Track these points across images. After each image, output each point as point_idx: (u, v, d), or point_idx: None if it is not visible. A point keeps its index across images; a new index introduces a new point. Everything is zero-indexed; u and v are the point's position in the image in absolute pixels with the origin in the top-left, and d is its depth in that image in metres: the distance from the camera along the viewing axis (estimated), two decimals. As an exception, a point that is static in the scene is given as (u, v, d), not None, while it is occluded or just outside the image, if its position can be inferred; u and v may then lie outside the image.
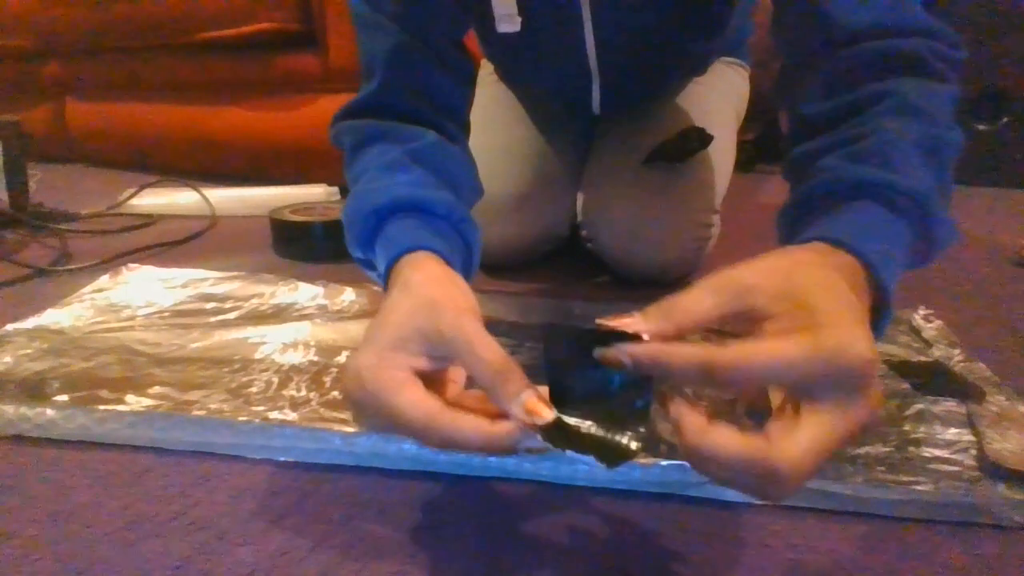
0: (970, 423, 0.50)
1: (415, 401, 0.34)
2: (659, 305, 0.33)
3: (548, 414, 0.32)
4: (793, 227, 0.44)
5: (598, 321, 0.33)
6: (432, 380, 0.36)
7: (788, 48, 0.52)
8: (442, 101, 0.57)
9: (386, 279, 0.43)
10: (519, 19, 0.62)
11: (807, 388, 0.30)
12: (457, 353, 0.34)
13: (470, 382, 0.36)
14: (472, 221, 0.50)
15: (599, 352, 0.33)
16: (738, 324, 0.33)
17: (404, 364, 0.35)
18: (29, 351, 0.60)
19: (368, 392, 0.34)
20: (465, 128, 0.61)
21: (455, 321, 0.35)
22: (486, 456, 0.33)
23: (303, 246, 0.94)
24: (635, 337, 0.32)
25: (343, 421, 0.49)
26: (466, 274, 0.47)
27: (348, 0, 0.58)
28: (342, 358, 0.60)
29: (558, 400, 0.34)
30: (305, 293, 0.75)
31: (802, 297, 0.31)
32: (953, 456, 0.46)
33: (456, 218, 0.48)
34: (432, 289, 0.38)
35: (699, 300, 0.33)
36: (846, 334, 0.30)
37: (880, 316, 0.37)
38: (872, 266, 0.36)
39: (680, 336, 0.32)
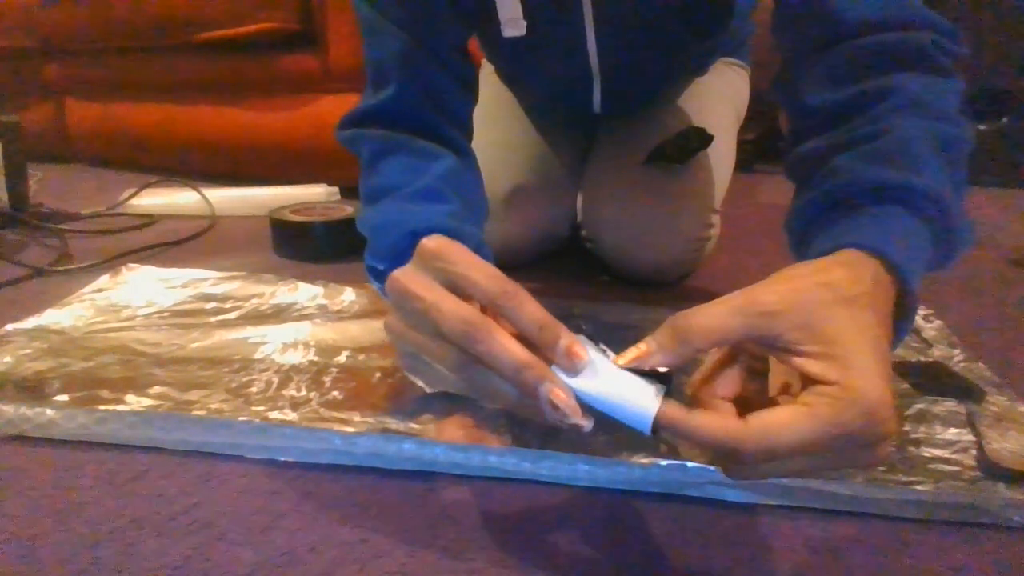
0: (970, 423, 0.50)
1: (484, 265, 0.35)
2: (675, 325, 0.32)
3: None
4: (809, 229, 0.43)
5: (615, 359, 0.33)
6: None
7: (790, 42, 0.52)
8: (450, 108, 0.58)
9: None
10: (524, 23, 0.62)
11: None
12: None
13: None
14: (492, 257, 0.51)
15: None
16: (757, 345, 0.33)
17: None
18: (29, 351, 0.60)
19: (442, 254, 0.36)
20: (469, 135, 0.62)
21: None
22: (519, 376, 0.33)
23: (303, 246, 0.94)
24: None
25: (343, 421, 0.49)
26: None
27: (353, 4, 0.58)
28: (342, 358, 0.60)
29: None
30: (305, 293, 0.75)
31: (827, 334, 0.31)
32: (953, 456, 0.46)
33: (483, 256, 0.49)
34: None
35: (719, 319, 0.32)
36: (872, 401, 0.29)
37: (903, 319, 0.37)
38: (901, 272, 0.35)
39: (698, 356, 0.33)
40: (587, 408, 0.33)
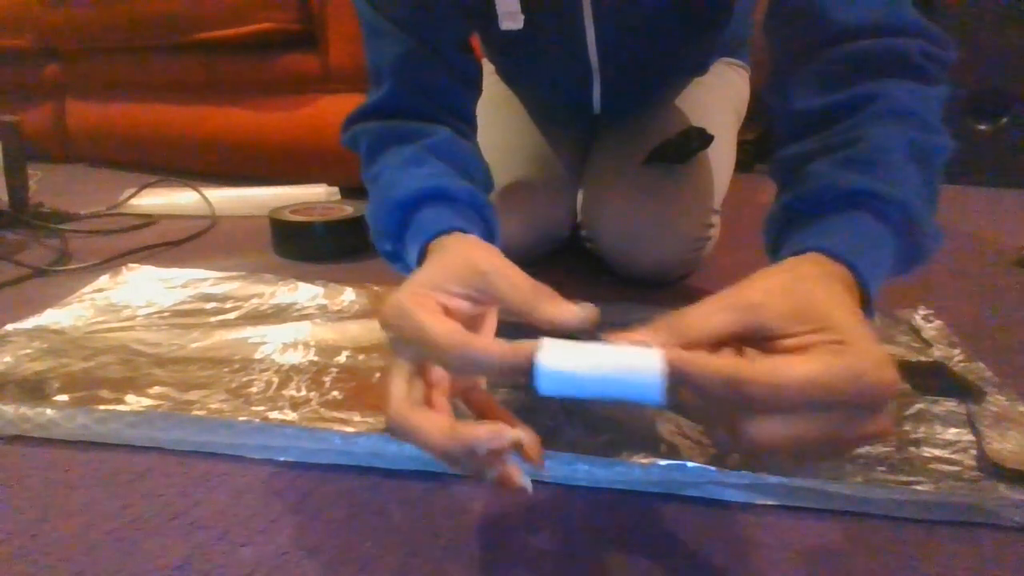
0: (970, 423, 0.50)
1: (441, 321, 0.35)
2: (668, 320, 0.32)
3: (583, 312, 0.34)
4: (782, 232, 0.44)
5: (603, 337, 0.33)
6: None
7: (780, 44, 0.52)
8: (451, 104, 0.58)
9: (419, 262, 0.45)
10: (521, 17, 0.63)
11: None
12: (490, 282, 0.36)
13: None
14: (491, 205, 0.51)
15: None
16: (746, 343, 0.33)
17: (437, 299, 0.37)
18: (29, 351, 0.60)
19: (402, 314, 0.36)
20: (474, 128, 0.62)
21: (488, 257, 0.38)
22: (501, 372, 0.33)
23: (303, 246, 0.94)
24: None
25: (343, 421, 0.49)
26: None
27: (355, 6, 0.58)
28: (342, 358, 0.60)
29: None
30: (305, 293, 0.75)
31: (816, 314, 0.31)
32: (953, 456, 0.46)
33: (478, 204, 0.50)
34: (468, 246, 0.41)
35: (708, 316, 0.32)
36: (876, 355, 0.29)
37: None
38: (862, 278, 0.36)
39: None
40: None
